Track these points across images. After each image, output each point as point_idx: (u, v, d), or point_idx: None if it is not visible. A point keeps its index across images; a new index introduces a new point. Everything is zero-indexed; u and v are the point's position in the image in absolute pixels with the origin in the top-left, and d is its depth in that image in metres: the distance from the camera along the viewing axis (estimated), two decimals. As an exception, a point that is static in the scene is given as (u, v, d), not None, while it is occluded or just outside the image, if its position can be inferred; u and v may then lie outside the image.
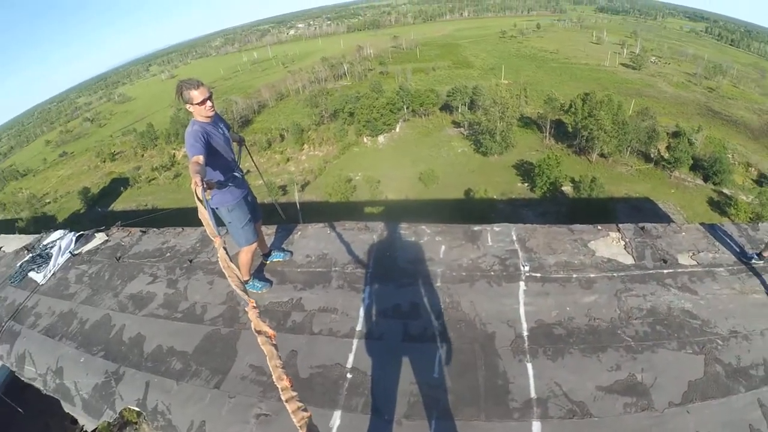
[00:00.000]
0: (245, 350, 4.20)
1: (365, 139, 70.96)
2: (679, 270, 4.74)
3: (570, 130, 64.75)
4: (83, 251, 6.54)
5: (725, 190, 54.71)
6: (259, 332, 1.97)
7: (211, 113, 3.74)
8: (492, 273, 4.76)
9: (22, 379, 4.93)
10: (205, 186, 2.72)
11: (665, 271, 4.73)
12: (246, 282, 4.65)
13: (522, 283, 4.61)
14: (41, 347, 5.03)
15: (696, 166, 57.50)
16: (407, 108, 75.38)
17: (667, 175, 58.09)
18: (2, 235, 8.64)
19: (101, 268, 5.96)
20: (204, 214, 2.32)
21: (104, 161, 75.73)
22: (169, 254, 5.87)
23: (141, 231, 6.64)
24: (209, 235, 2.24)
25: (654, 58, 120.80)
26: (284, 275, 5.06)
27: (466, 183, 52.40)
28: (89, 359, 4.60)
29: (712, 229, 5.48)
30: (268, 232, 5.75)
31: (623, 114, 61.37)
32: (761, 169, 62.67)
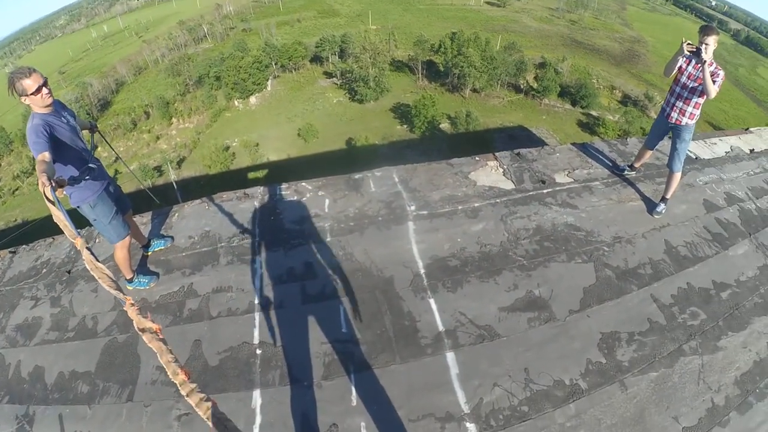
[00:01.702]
0: (147, 353, 3.89)
1: (236, 102, 67.18)
2: (558, 188, 5.12)
3: (441, 69, 66.63)
4: (-44, 291, 5.61)
5: (593, 112, 60.41)
6: (143, 330, 1.82)
7: (50, 101, 3.29)
8: (380, 218, 4.77)
9: None
10: (54, 185, 2.45)
11: (545, 191, 5.09)
12: (130, 280, 4.30)
13: (411, 223, 4.68)
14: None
15: (564, 93, 62.56)
16: (276, 64, 72.02)
17: (537, 104, 62.53)
18: None
19: (-22, 304, 5.20)
20: (59, 216, 2.12)
21: (-43, 182, 64.36)
22: (45, 270, 5.21)
23: (10, 252, 5.78)
24: (68, 237, 2.04)
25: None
26: (170, 263, 4.68)
27: (346, 132, 52.24)
28: None
29: (584, 148, 5.94)
30: (143, 221, 5.27)
31: (491, 50, 64.21)
32: (624, 90, 69.91)
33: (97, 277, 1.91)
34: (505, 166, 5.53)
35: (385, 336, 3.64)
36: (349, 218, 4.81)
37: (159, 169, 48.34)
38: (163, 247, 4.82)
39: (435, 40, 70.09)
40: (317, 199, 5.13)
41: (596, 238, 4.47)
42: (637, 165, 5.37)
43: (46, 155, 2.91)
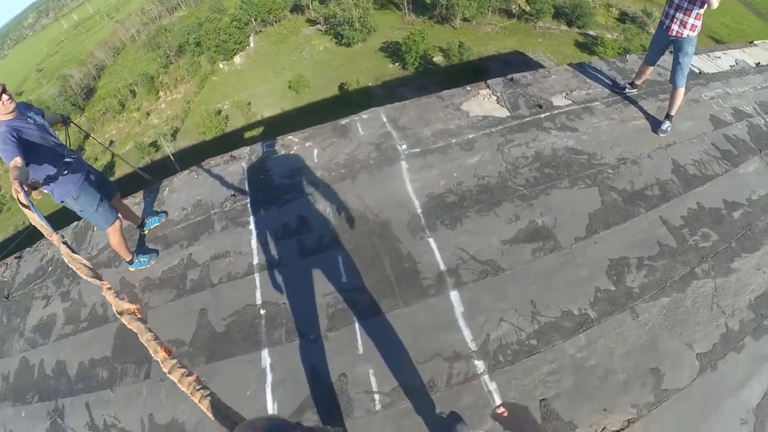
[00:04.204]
0: (157, 330, 3.87)
1: (221, 65, 65.23)
2: (556, 112, 4.88)
3: (428, 1, 63.91)
4: (-29, 309, 5.76)
5: (591, 32, 57.78)
6: (121, 313, 1.85)
7: (12, 107, 3.27)
8: (371, 162, 4.60)
9: None
10: (27, 189, 2.48)
11: (542, 115, 4.85)
12: (130, 261, 4.34)
13: (403, 163, 4.51)
14: (-16, 423, 4.66)
15: (558, 14, 59.69)
16: (255, 20, 69.34)
17: (532, 27, 59.86)
18: None
19: (-3, 315, 5.37)
20: (34, 218, 2.18)
21: (-42, 196, 64.64)
22: (51, 268, 5.27)
23: (16, 258, 5.86)
24: (46, 236, 2.10)
25: None
26: (167, 238, 4.65)
27: (337, 78, 50.66)
28: (29, 409, 4.26)
29: (582, 68, 5.63)
30: (136, 200, 5.21)
31: (478, -26, 61.10)
32: (621, 7, 66.53)
33: (75, 269, 1.95)
34: (498, 94, 5.26)
35: (386, 281, 3.57)
36: (340, 165, 4.65)
37: (155, 145, 47.89)
38: (158, 224, 4.80)
39: (417, -29, 66.80)
40: (305, 150, 4.96)
41: (599, 160, 4.27)
42: (638, 82, 5.08)
43: (18, 160, 2.90)
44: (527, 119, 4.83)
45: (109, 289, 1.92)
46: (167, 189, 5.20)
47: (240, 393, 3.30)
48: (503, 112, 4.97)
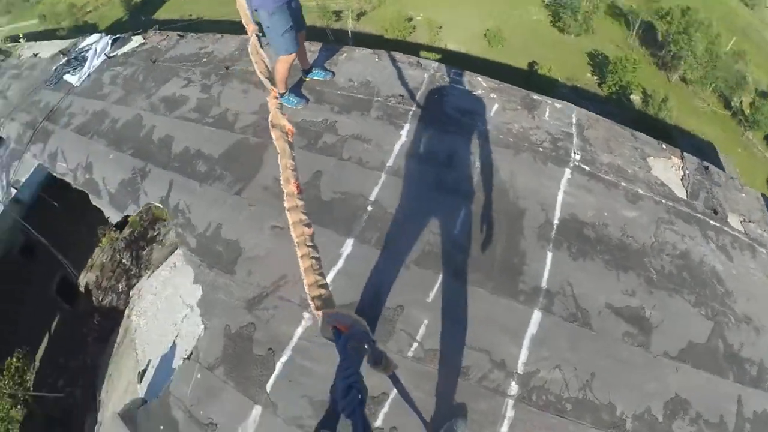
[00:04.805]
0: (272, 163, 4.08)
1: (437, -23, 64.04)
2: (726, 228, 4.33)
3: (660, 38, 58.34)
4: (119, 54, 6.36)
5: None
6: (274, 126, 1.78)
7: None
8: (540, 149, 4.38)
9: (54, 174, 5.10)
10: None
11: (712, 222, 4.31)
12: (282, 95, 4.46)
13: (568, 171, 4.26)
14: (73, 144, 5.13)
15: (773, 137, 53.05)
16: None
17: (740, 132, 53.52)
18: (38, 42, 8.71)
19: (136, 70, 5.78)
20: (242, 3, 2.23)
21: (145, -37, 69.04)
22: (205, 59, 5.56)
23: (179, 35, 6.28)
24: (244, 23, 2.09)
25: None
26: (322, 95, 4.76)
27: (532, 55, 47.22)
28: (118, 156, 4.66)
29: None
30: (313, 48, 5.32)
31: (719, 47, 54.64)
32: None
33: (254, 62, 1.98)
34: (687, 171, 4.77)
35: (490, 260, 3.49)
36: (511, 133, 4.47)
37: (338, 14, 48.42)
38: (321, 78, 4.90)
39: (667, 2, 60.45)
40: (487, 99, 4.79)
41: (731, 303, 3.74)
42: None
43: None
44: (697, 215, 4.34)
45: (276, 97, 1.88)
46: (345, 55, 5.29)
47: (308, 261, 3.45)
48: (681, 192, 4.51)
